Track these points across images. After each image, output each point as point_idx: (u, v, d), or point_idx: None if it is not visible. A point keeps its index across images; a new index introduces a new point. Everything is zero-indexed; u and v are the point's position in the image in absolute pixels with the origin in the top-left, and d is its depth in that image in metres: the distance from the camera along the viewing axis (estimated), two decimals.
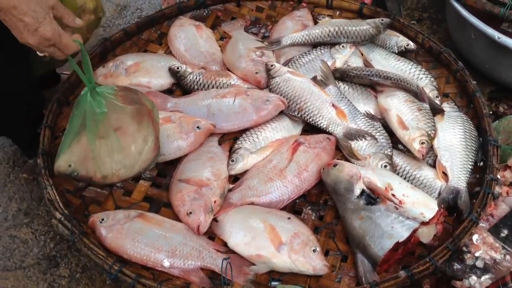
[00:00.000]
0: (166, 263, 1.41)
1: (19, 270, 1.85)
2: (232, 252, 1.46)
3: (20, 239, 1.94)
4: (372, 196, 1.49)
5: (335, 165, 1.57)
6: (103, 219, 1.47)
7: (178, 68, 1.89)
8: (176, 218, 1.53)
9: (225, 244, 1.48)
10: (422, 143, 1.64)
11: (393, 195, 1.51)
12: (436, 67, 2.00)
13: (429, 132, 1.67)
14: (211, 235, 1.51)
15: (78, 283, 1.81)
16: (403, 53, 1.98)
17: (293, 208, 1.60)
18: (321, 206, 1.60)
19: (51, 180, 1.55)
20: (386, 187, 1.51)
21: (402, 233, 1.40)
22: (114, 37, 2.01)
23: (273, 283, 1.42)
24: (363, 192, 1.50)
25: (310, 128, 1.78)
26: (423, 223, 1.44)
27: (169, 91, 1.91)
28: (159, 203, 1.59)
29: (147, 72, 1.90)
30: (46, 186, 1.53)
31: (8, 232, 1.96)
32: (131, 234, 1.44)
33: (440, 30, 2.70)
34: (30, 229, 1.97)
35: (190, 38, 2.02)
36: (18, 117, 1.83)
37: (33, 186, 2.08)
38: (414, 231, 1.40)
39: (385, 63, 1.95)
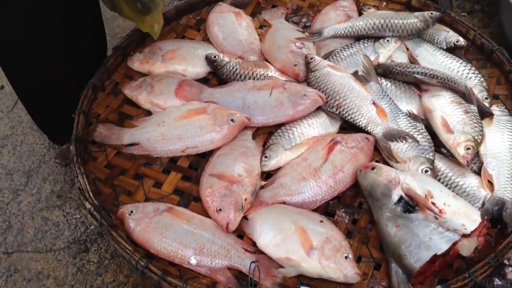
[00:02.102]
0: (193, 261, 1.38)
1: (49, 253, 1.87)
2: (261, 252, 1.42)
3: (52, 222, 1.95)
4: (410, 204, 1.42)
5: (373, 168, 1.50)
6: (132, 211, 1.44)
7: (215, 57, 1.84)
8: (205, 213, 1.50)
9: (254, 244, 1.44)
10: (468, 148, 1.55)
11: (433, 203, 1.42)
12: (487, 66, 1.87)
13: (476, 137, 1.57)
14: (240, 233, 1.47)
15: (106, 270, 1.82)
16: (452, 50, 1.86)
17: (326, 209, 1.54)
18: (355, 209, 1.53)
19: (82, 168, 1.54)
20: (426, 195, 1.43)
21: (441, 245, 1.32)
22: None
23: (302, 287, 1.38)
24: (401, 198, 1.43)
25: (348, 126, 1.71)
26: (464, 235, 1.35)
27: (204, 80, 1.87)
28: (189, 197, 1.56)
29: (184, 59, 1.86)
30: (77, 174, 1.52)
31: (41, 213, 1.98)
32: (159, 229, 1.41)
33: (493, 24, 2.55)
34: (62, 212, 1.98)
35: (229, 25, 1.96)
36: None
37: (66, 169, 2.09)
38: (454, 244, 1.33)
39: (432, 59, 1.84)
